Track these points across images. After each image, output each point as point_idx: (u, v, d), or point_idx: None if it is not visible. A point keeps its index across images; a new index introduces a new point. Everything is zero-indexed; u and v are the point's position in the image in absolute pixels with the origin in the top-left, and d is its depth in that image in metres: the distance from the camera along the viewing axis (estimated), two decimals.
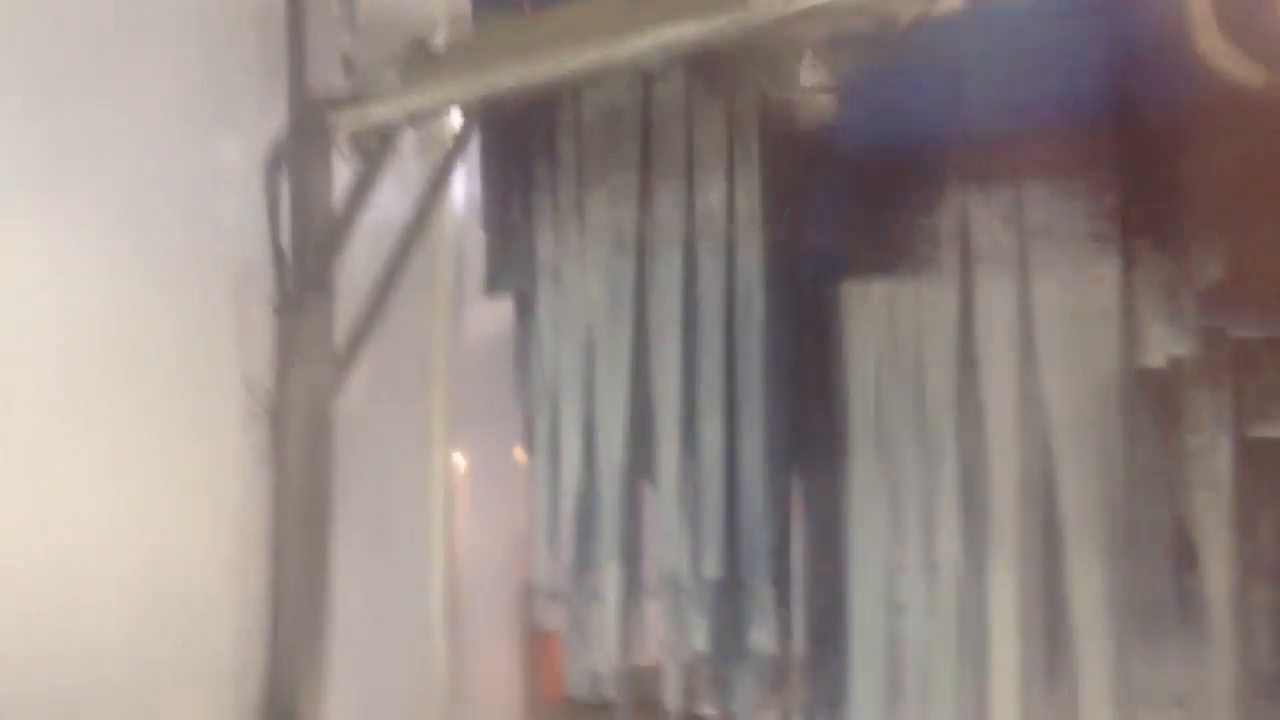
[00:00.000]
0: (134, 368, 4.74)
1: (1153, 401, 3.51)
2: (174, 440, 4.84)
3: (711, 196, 4.05)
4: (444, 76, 4.46)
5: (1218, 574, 3.61)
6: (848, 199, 3.90)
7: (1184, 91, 3.23)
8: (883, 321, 3.84)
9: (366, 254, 5.18)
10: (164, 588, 4.72)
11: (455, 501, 5.83)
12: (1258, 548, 3.65)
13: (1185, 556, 3.67)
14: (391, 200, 5.23)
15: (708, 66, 4.05)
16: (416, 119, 4.76)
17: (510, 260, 4.70)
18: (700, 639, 4.09)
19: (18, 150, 4.53)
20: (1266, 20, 3.17)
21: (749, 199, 4.00)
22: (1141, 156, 3.40)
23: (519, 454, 6.17)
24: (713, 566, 4.03)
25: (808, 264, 4.04)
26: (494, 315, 5.75)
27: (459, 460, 5.86)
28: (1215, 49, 3.06)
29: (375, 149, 4.74)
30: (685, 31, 3.78)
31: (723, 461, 4.03)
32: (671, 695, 4.32)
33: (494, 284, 4.81)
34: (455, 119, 4.99)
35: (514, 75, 4.22)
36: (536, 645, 6.75)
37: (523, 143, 4.57)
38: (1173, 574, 3.68)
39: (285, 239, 4.85)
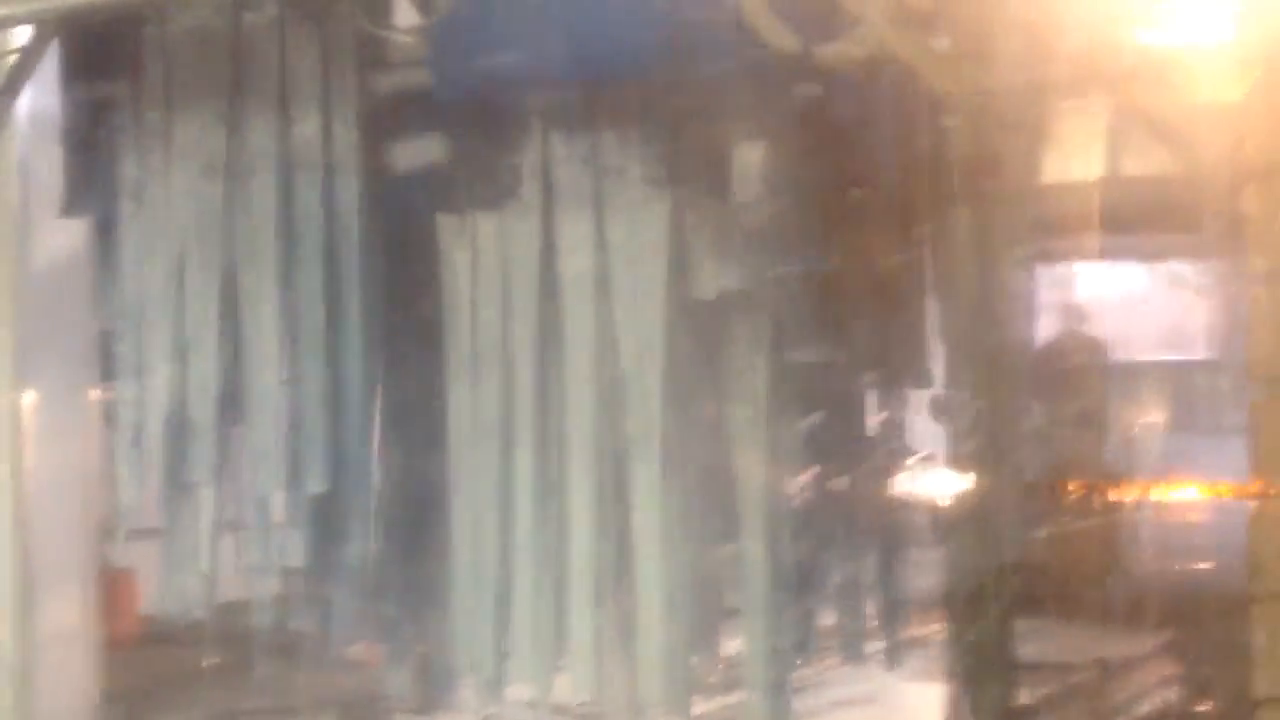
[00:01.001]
0: None
1: (705, 328, 3.98)
2: None
3: (307, 125, 4.12)
4: None
5: (752, 481, 4.14)
6: (442, 134, 4.10)
7: (729, 53, 3.69)
8: (474, 251, 4.06)
9: None
10: None
11: (24, 437, 5.56)
12: (786, 456, 4.23)
13: (727, 466, 4.18)
14: None
15: None
16: None
17: (91, 182, 4.53)
18: (297, 555, 4.22)
19: None
20: None
21: (345, 129, 4.11)
22: (691, 110, 3.81)
23: (91, 388, 5.98)
24: (314, 483, 4.16)
25: (404, 195, 4.20)
26: (64, 241, 5.57)
27: (28, 395, 5.59)
28: (757, 16, 3.51)
29: None
30: None
31: (322, 384, 4.15)
32: (263, 616, 4.43)
33: (72, 206, 4.64)
34: (23, 33, 4.75)
35: None
36: (110, 583, 6.55)
37: (107, 61, 4.42)
38: (717, 482, 4.19)
39: None
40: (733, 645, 4.29)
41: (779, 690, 4.16)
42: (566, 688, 4.28)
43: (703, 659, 4.31)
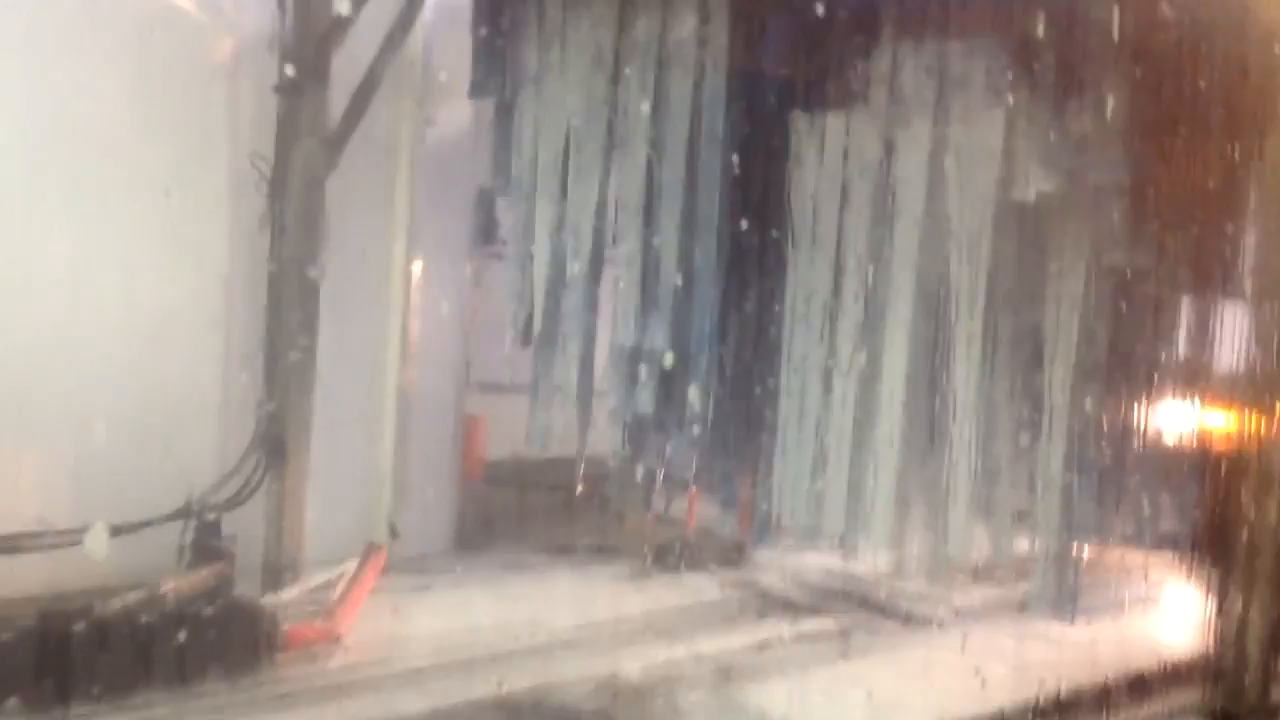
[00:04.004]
0: (134, 140, 5.08)
1: (1026, 229, 4.35)
2: (171, 206, 5.21)
3: (684, 26, 4.62)
4: None
5: (1060, 377, 4.51)
6: (801, 40, 4.57)
7: None
8: (822, 147, 4.56)
9: (353, 51, 5.67)
10: (165, 336, 5.27)
11: (412, 289, 6.31)
12: (1095, 358, 4.55)
13: (1037, 360, 4.55)
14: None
15: None
16: None
17: (495, 70, 5.17)
18: (647, 399, 4.83)
19: None
20: None
21: (718, 31, 4.59)
22: (1031, 25, 4.15)
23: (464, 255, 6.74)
24: (664, 339, 4.74)
25: (763, 93, 4.70)
26: (457, 119, 6.28)
27: (416, 256, 6.33)
28: None
29: None
30: None
31: (678, 256, 4.72)
32: (620, 449, 5.11)
33: (479, 89, 5.29)
34: None
35: None
36: (468, 427, 7.39)
37: None
38: (1026, 374, 4.56)
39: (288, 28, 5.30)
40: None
41: (1067, 573, 4.56)
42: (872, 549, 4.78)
43: (1000, 534, 4.70)
